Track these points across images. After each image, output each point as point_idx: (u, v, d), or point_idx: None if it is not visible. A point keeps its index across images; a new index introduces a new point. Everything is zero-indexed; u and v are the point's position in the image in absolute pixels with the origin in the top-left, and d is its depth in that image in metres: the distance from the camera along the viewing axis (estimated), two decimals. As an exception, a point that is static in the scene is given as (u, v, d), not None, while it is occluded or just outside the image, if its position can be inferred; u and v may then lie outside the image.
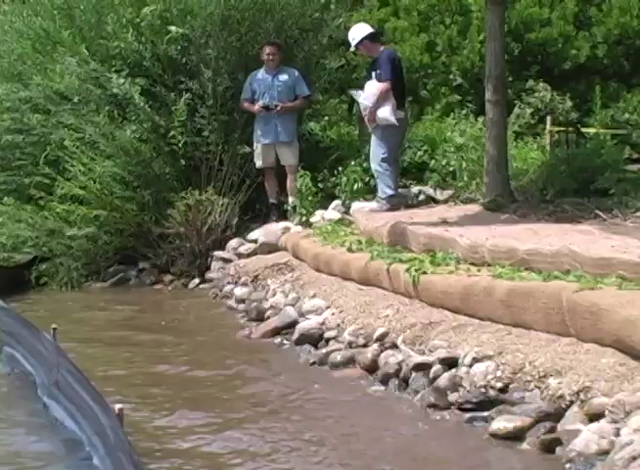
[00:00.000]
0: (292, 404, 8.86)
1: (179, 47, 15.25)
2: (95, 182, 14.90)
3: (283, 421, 8.34)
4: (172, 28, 15.08)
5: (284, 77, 14.90)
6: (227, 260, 14.43)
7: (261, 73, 14.92)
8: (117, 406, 6.53)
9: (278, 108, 14.72)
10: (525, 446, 7.23)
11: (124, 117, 15.28)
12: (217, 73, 15.20)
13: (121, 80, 15.03)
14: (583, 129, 17.24)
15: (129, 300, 14.29)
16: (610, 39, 19.88)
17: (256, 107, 14.84)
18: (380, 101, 13.31)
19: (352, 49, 14.38)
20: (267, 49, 14.86)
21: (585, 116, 18.56)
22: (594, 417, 7.07)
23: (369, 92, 13.43)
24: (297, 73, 15.07)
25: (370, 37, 13.85)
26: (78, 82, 15.24)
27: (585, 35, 19.91)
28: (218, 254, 14.68)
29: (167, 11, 15.38)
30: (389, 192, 13.57)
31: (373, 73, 13.59)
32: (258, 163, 15.05)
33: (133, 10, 15.41)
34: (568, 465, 6.72)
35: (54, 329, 8.26)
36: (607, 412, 6.99)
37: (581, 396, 7.34)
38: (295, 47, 15.79)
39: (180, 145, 15.03)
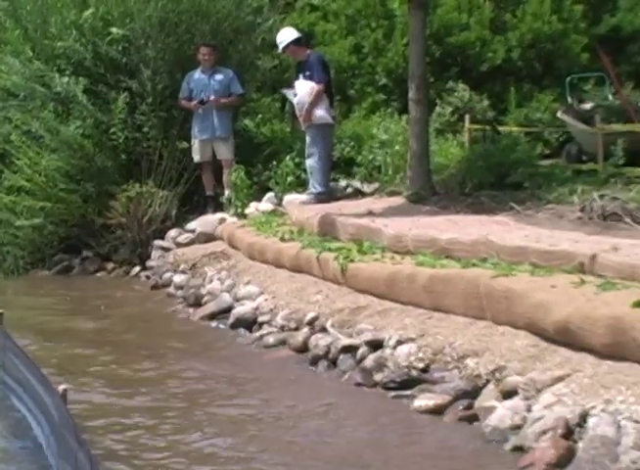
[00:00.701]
0: (224, 384, 8.79)
1: (120, 48, 15.18)
2: (40, 175, 14.87)
3: (215, 399, 8.31)
4: (113, 30, 15.04)
5: (219, 77, 14.88)
6: (166, 249, 14.42)
7: (198, 73, 14.91)
8: (62, 387, 6.43)
9: (212, 99, 14.66)
10: (445, 418, 7.26)
11: (68, 113, 15.22)
12: (156, 73, 15.18)
13: (65, 79, 14.98)
14: (499, 127, 17.28)
15: (73, 286, 14.19)
16: (523, 43, 19.99)
17: (193, 104, 14.78)
18: (315, 101, 13.30)
19: (279, 51, 14.48)
20: (203, 50, 14.85)
21: (501, 114, 18.63)
22: (508, 395, 7.14)
23: (303, 92, 13.40)
24: (231, 73, 15.06)
25: (295, 42, 13.92)
26: (24, 81, 15.07)
27: (501, 39, 20.00)
28: (158, 243, 14.64)
29: (108, 13, 15.33)
30: (321, 188, 13.61)
31: (301, 75, 13.59)
32: (196, 157, 15.02)
33: (76, 12, 15.30)
34: (487, 434, 6.77)
35: (0, 314, 8.13)
36: (520, 390, 7.07)
37: (496, 375, 7.41)
38: (229, 48, 15.79)
39: (121, 140, 15.04)
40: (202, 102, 14.70)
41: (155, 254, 14.60)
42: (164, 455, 6.85)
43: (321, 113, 13.38)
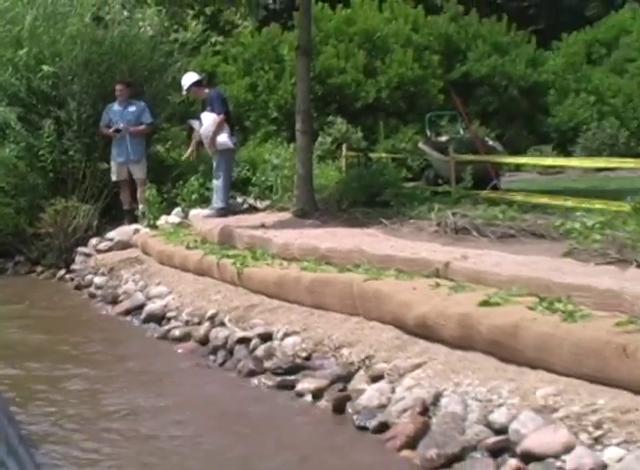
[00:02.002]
0: (134, 371, 8.71)
1: (50, 82, 15.02)
2: (-20, 191, 14.62)
3: (124, 383, 8.25)
4: (44, 67, 14.86)
5: (132, 108, 14.82)
6: (88, 255, 14.26)
7: (115, 105, 14.83)
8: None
9: (122, 126, 14.61)
10: (323, 402, 7.26)
11: (4, 137, 15.09)
12: (81, 104, 15.05)
13: (1, 108, 14.80)
14: (371, 154, 17.40)
15: (6, 285, 13.99)
16: (391, 85, 20.28)
17: (110, 130, 14.67)
18: (218, 130, 13.29)
19: (184, 93, 14.44)
20: (118, 86, 14.80)
21: (372, 144, 18.81)
22: (376, 379, 7.18)
23: (207, 124, 13.40)
24: (143, 105, 14.99)
25: (196, 84, 13.89)
26: (-36, 109, 14.93)
27: (372, 82, 20.25)
28: (81, 249, 14.47)
29: (40, 53, 15.14)
30: (222, 204, 13.53)
31: (206, 109, 13.59)
32: (114, 177, 14.90)
33: (12, 51, 15.09)
34: (355, 416, 6.78)
35: None
36: (385, 375, 7.11)
37: (367, 362, 7.44)
38: (144, 85, 15.71)
39: (49, 161, 14.89)
40: (117, 130, 14.61)
41: (78, 259, 14.42)
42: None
43: (223, 140, 13.35)
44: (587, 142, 22.65)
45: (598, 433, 5.44)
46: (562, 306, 6.52)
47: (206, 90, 13.95)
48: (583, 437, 5.47)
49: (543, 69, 24.42)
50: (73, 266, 14.34)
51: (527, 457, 5.53)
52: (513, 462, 5.55)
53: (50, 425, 7.02)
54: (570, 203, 10.99)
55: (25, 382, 8.22)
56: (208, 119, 13.42)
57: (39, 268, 14.71)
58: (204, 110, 13.69)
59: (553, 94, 24.27)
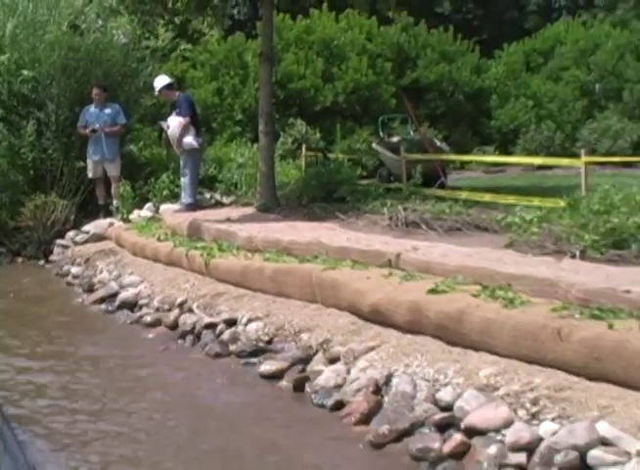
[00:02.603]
0: (107, 353, 8.71)
1: (30, 86, 14.93)
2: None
3: (96, 365, 8.27)
4: (24, 72, 14.80)
5: (108, 110, 14.72)
6: (66, 247, 14.18)
7: (92, 107, 14.72)
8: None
9: (98, 127, 14.52)
10: (284, 382, 7.26)
11: (-14, 137, 14.90)
12: (59, 107, 14.97)
13: (-16, 110, 14.67)
14: (329, 154, 17.42)
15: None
16: (347, 90, 20.28)
17: (87, 130, 14.58)
18: (183, 132, 13.26)
19: (156, 94, 14.39)
20: (95, 90, 14.69)
21: (330, 144, 18.79)
22: (333, 361, 7.20)
23: (174, 125, 13.38)
24: (117, 107, 14.90)
25: (167, 87, 13.88)
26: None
27: (330, 87, 20.24)
28: (59, 242, 14.39)
29: (21, 58, 15.05)
30: (190, 200, 13.53)
31: (174, 112, 13.56)
32: (90, 174, 14.82)
33: (-7, 56, 14.96)
34: (313, 396, 6.82)
35: None
36: (341, 357, 7.13)
37: (324, 346, 7.46)
38: (118, 88, 15.63)
39: (30, 160, 14.76)
40: (93, 130, 14.53)
41: (56, 250, 14.33)
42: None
43: (189, 141, 13.33)
44: (526, 143, 22.77)
45: (535, 409, 5.49)
46: (503, 294, 6.57)
47: (177, 93, 13.92)
48: (521, 413, 5.52)
49: (486, 75, 24.53)
50: (52, 257, 14.26)
51: (471, 432, 5.58)
52: (458, 437, 5.59)
53: (25, 403, 7.00)
54: (510, 199, 11.06)
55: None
56: (175, 122, 13.41)
57: (20, 259, 14.59)
58: (173, 111, 13.66)
59: (495, 99, 24.37)
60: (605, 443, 4.97)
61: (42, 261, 14.27)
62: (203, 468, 5.84)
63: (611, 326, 5.58)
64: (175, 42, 19.08)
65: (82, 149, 14.90)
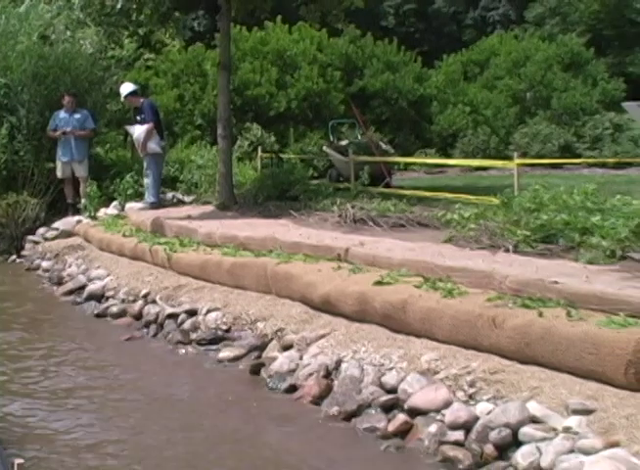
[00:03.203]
0: (76, 341, 8.66)
1: (2, 92, 14.76)
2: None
3: (66, 351, 8.21)
4: (-3, 79, 14.60)
5: (77, 116, 14.60)
6: (37, 242, 14.05)
7: (62, 113, 14.58)
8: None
9: (69, 130, 14.39)
10: (241, 368, 7.29)
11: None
12: (30, 112, 14.83)
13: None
14: (282, 156, 17.40)
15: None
16: (299, 97, 20.24)
17: (57, 133, 14.46)
18: (148, 137, 13.20)
19: (122, 100, 14.26)
20: (66, 97, 14.55)
21: (284, 147, 18.78)
22: (286, 348, 7.23)
23: (140, 130, 13.32)
24: (86, 113, 14.79)
25: (132, 93, 13.79)
26: None
27: (283, 94, 20.19)
28: (30, 237, 14.24)
29: (-7, 66, 14.86)
30: (153, 199, 13.46)
31: (138, 117, 13.50)
32: (59, 174, 14.69)
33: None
34: (268, 380, 6.84)
35: None
36: (294, 344, 7.16)
37: (278, 334, 7.48)
38: (85, 95, 15.48)
39: (2, 161, 14.59)
40: (64, 133, 14.40)
41: (27, 246, 14.18)
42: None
43: (152, 145, 13.26)
44: (464, 146, 22.91)
45: (472, 391, 5.54)
46: (443, 285, 6.61)
47: (141, 99, 13.83)
48: (460, 394, 5.56)
49: (427, 84, 24.59)
50: (24, 252, 14.11)
51: (414, 412, 5.62)
52: (401, 416, 5.63)
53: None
54: (449, 197, 11.11)
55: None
56: (140, 128, 13.35)
57: (-7, 254, 14.46)
58: (136, 116, 13.59)
59: (435, 105, 24.45)
60: (534, 420, 5.03)
61: (14, 256, 14.11)
62: (158, 443, 5.82)
63: (540, 314, 5.64)
64: (139, 52, 19.00)
65: (52, 151, 14.77)
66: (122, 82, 15.00)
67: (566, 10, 38.28)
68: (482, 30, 36.20)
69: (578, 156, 20.38)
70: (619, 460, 4.44)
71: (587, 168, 18.80)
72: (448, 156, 22.42)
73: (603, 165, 17.81)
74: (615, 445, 4.59)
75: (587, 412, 4.90)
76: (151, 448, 5.71)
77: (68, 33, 15.42)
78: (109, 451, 5.61)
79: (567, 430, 4.84)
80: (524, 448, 4.87)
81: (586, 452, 4.62)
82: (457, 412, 5.37)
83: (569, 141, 22.07)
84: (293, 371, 6.79)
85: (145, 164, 13.63)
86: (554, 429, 4.91)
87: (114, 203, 14.40)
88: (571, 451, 4.68)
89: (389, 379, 6.01)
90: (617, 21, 36.69)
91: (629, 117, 16.87)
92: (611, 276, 6.18)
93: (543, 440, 4.87)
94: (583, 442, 4.70)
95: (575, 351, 5.21)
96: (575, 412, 4.93)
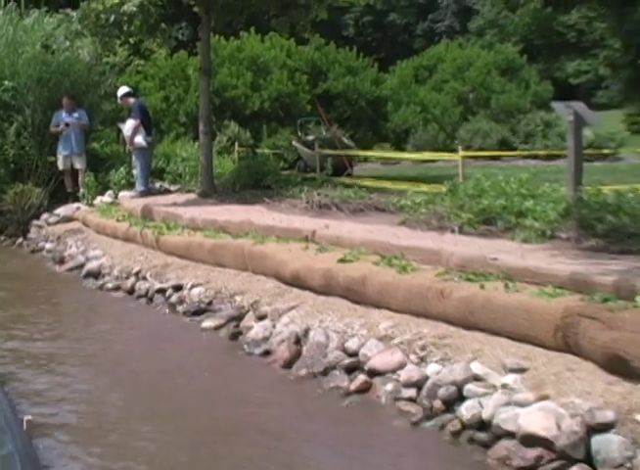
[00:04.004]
0: (77, 311, 8.73)
1: (10, 94, 14.56)
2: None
3: (71, 317, 8.34)
4: (6, 82, 14.46)
5: (76, 115, 14.41)
6: (41, 227, 13.93)
7: (63, 112, 14.41)
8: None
9: (71, 122, 14.24)
10: (221, 336, 7.27)
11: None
12: (34, 111, 14.64)
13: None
14: (257, 150, 17.33)
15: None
16: (271, 98, 20.15)
17: (61, 127, 14.28)
18: (134, 132, 13.10)
19: (119, 101, 14.10)
20: (65, 99, 14.41)
21: (258, 142, 18.71)
22: (261, 318, 7.20)
23: (128, 127, 13.23)
24: (83, 112, 14.63)
25: (126, 95, 13.70)
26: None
27: (257, 95, 20.11)
28: (35, 222, 14.12)
29: (3, 72, 14.69)
30: (142, 188, 13.33)
31: (130, 115, 13.38)
32: (60, 166, 14.52)
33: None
34: (245, 346, 6.84)
35: None
36: (268, 315, 7.13)
37: (254, 306, 7.45)
38: (83, 96, 15.33)
39: (11, 155, 14.42)
40: (66, 124, 14.25)
41: (33, 230, 14.04)
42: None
43: (138, 140, 13.14)
44: (415, 141, 22.93)
45: (423, 354, 5.56)
46: (397, 262, 6.62)
47: (132, 100, 13.72)
48: (412, 357, 5.58)
49: (383, 86, 24.57)
50: (29, 235, 13.98)
51: (372, 373, 5.63)
52: (362, 377, 5.65)
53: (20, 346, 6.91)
54: (403, 185, 11.13)
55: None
56: (129, 124, 13.26)
57: (2, 237, 14.29)
58: (129, 116, 13.50)
59: (390, 105, 24.44)
60: (477, 379, 5.06)
61: (21, 239, 13.99)
62: (144, 393, 5.90)
63: (482, 287, 5.67)
64: (130, 59, 18.81)
65: (53, 146, 14.61)
66: (117, 86, 14.99)
67: (503, 22, 38.48)
68: (431, 40, 36.22)
69: (514, 149, 20.47)
70: (549, 411, 4.49)
71: (522, 160, 18.88)
72: (402, 149, 22.43)
73: (535, 157, 17.90)
74: (545, 398, 4.64)
75: (521, 371, 4.94)
76: (143, 400, 5.81)
77: (68, 43, 15.26)
78: (105, 400, 5.71)
79: (504, 386, 4.88)
80: (467, 403, 4.91)
81: (521, 405, 4.66)
82: (410, 373, 5.40)
83: (505, 136, 22.18)
84: (267, 338, 6.78)
85: (134, 157, 13.56)
86: (493, 386, 4.95)
87: (109, 192, 14.29)
88: (508, 404, 4.72)
89: (352, 344, 6.02)
90: (546, 32, 36.94)
91: (557, 116, 16.94)
92: (542, 253, 6.23)
93: (484, 395, 4.90)
94: (518, 396, 4.74)
95: (512, 318, 5.26)
96: (512, 371, 4.97)
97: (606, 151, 15.69)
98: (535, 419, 4.46)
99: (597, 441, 4.23)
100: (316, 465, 4.77)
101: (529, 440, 4.42)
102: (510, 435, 4.55)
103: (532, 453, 4.36)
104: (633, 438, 4.14)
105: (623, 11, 23.29)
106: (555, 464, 4.28)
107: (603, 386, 4.52)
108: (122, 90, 13.91)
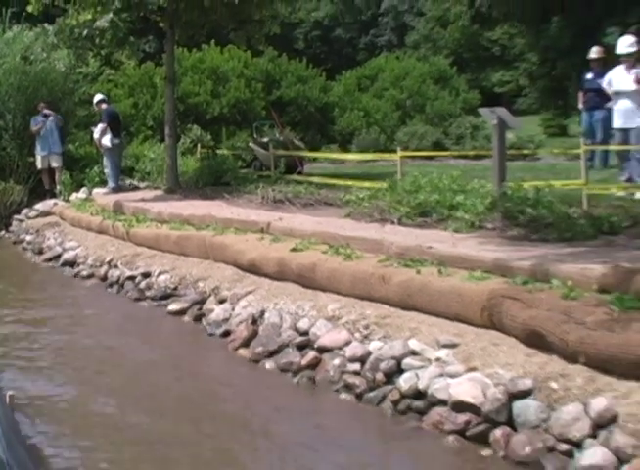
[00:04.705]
0: (56, 295, 8.62)
1: (-8, 101, 14.36)
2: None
3: (46, 302, 8.21)
4: (-12, 91, 14.21)
5: (52, 118, 14.18)
6: (21, 221, 13.76)
7: (40, 116, 14.18)
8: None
9: (49, 114, 14.08)
10: (186, 318, 7.25)
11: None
12: (14, 116, 14.51)
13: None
14: (217, 151, 17.18)
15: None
16: (230, 104, 20.02)
17: (39, 124, 14.08)
18: (101, 135, 13.02)
19: (95, 107, 13.91)
20: (41, 104, 14.22)
21: (218, 143, 18.52)
22: (221, 301, 7.19)
23: (97, 130, 13.15)
24: (59, 116, 14.42)
25: (100, 101, 13.54)
26: None
27: (217, 101, 19.96)
28: (16, 217, 13.97)
29: (-15, 79, 14.47)
30: (113, 185, 13.18)
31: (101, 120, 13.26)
32: (39, 166, 14.35)
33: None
34: (208, 327, 6.82)
35: None
36: (228, 299, 7.11)
37: (215, 291, 7.43)
38: (59, 103, 15.12)
39: (-7, 156, 14.20)
40: (45, 115, 14.04)
41: (14, 223, 13.85)
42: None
43: (105, 141, 13.02)
44: (359, 142, 22.90)
45: (366, 332, 5.58)
46: (343, 251, 6.64)
47: (104, 106, 13.54)
48: (357, 335, 5.60)
49: (330, 94, 24.53)
50: (11, 229, 13.79)
51: (322, 350, 5.64)
52: (312, 353, 5.65)
53: None
54: (349, 182, 11.12)
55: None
56: (98, 128, 13.19)
57: (-14, 231, 14.10)
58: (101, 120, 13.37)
59: (336, 110, 24.42)
60: (414, 354, 5.10)
61: (3, 232, 13.78)
62: (121, 368, 5.88)
63: (418, 272, 5.71)
64: (102, 69, 18.54)
65: (32, 147, 14.44)
66: (90, 93, 15.02)
67: (435, 37, 38.76)
68: (372, 52, 36.23)
69: (446, 149, 20.57)
70: (476, 381, 4.55)
71: (453, 159, 18.97)
72: (347, 150, 22.42)
73: (465, 157, 18.00)
74: (473, 369, 4.69)
75: (453, 346, 4.99)
76: (111, 371, 5.83)
77: (45, 54, 15.10)
78: (78, 366, 5.67)
79: (438, 360, 4.93)
80: (405, 375, 4.95)
81: (452, 376, 4.71)
82: (355, 349, 5.42)
83: (439, 138, 22.27)
84: (227, 320, 6.77)
85: (104, 158, 13.45)
86: (428, 359, 4.99)
87: (83, 188, 14.14)
88: (441, 376, 4.77)
89: (303, 324, 6.02)
90: (473, 46, 37.30)
91: (483, 120, 17.09)
92: (471, 242, 6.29)
93: (420, 368, 4.94)
94: (450, 368, 4.79)
95: (445, 299, 5.30)
96: (444, 346, 5.02)
97: (526, 151, 15.82)
98: (464, 388, 4.51)
99: (517, 406, 4.30)
100: (263, 424, 4.79)
101: (459, 406, 4.47)
102: (442, 403, 4.60)
103: (462, 418, 4.42)
104: (548, 402, 4.22)
105: (540, 29, 23.64)
106: (481, 427, 4.35)
107: (523, 358, 4.59)
108: (97, 97, 13.79)
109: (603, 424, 3.94)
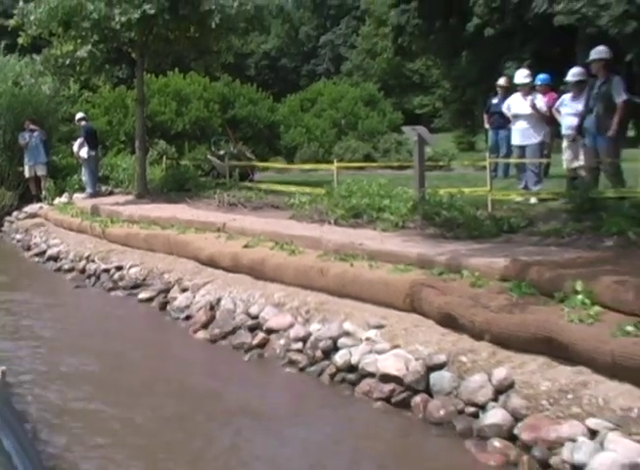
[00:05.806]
0: (40, 287, 8.39)
1: (-14, 119, 14.02)
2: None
3: (30, 292, 8.00)
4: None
5: (37, 134, 13.85)
6: (12, 222, 13.46)
7: (27, 132, 13.83)
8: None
9: (34, 128, 13.76)
10: (153, 304, 7.14)
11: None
12: (5, 132, 14.21)
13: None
14: (180, 162, 16.92)
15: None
16: (191, 122, 19.79)
17: (26, 137, 13.74)
18: (79, 148, 12.88)
19: (77, 123, 13.72)
20: (27, 122, 13.90)
21: (181, 155, 18.24)
22: (184, 290, 7.06)
23: (77, 143, 12.95)
24: (44, 132, 14.09)
25: (80, 119, 13.39)
26: None
27: (181, 119, 19.71)
28: (8, 218, 13.69)
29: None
30: (91, 191, 12.91)
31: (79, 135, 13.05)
32: (26, 174, 14.02)
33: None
34: (172, 312, 6.72)
35: None
36: (190, 288, 6.99)
37: (178, 281, 7.29)
38: (44, 120, 14.76)
39: (-14, 166, 13.81)
40: (32, 130, 13.75)
41: (6, 224, 13.54)
42: None
43: (82, 153, 12.84)
44: (301, 155, 22.88)
45: (307, 316, 5.56)
46: (288, 247, 6.60)
47: (83, 123, 13.33)
48: (300, 319, 5.57)
49: (277, 113, 24.41)
50: (3, 229, 13.49)
51: (269, 331, 5.61)
52: (261, 334, 5.61)
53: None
54: (292, 189, 11.06)
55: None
56: (77, 142, 13.04)
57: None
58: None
59: (282, 128, 24.35)
60: (348, 334, 5.09)
61: (-3, 231, 13.46)
62: (88, 350, 5.71)
63: (352, 265, 5.70)
64: (81, 92, 18.13)
65: (21, 159, 14.12)
66: (71, 112, 14.92)
67: (366, 66, 39.00)
68: (313, 79, 36.15)
69: (375, 161, 20.66)
70: (399, 356, 4.57)
71: (381, 170, 19.05)
72: (291, 161, 22.37)
73: (390, 168, 18.11)
74: (397, 346, 4.70)
75: (380, 327, 4.99)
76: (84, 350, 5.70)
77: (33, 80, 14.84)
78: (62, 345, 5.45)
79: (367, 339, 4.92)
80: (340, 352, 4.93)
81: (379, 352, 4.71)
82: (298, 330, 5.39)
83: (369, 152, 22.37)
84: (188, 306, 6.66)
85: (83, 167, 13.25)
86: (360, 339, 4.98)
87: (65, 194, 13.87)
88: (370, 352, 4.77)
89: (253, 310, 5.96)
90: (397, 75, 37.65)
91: (406, 137, 17.22)
92: (396, 239, 6.31)
93: (353, 346, 4.94)
94: (377, 346, 4.79)
95: (374, 289, 5.30)
96: (373, 327, 5.02)
97: (441, 163, 16.02)
98: (390, 363, 4.52)
99: (433, 376, 4.33)
100: (216, 392, 4.73)
101: (385, 378, 4.47)
102: (371, 375, 4.60)
103: (388, 388, 4.43)
104: (459, 373, 4.26)
105: (452, 62, 23.97)
106: (404, 395, 4.36)
107: (438, 337, 4.61)
108: (78, 115, 13.71)
109: (502, 390, 3.99)
